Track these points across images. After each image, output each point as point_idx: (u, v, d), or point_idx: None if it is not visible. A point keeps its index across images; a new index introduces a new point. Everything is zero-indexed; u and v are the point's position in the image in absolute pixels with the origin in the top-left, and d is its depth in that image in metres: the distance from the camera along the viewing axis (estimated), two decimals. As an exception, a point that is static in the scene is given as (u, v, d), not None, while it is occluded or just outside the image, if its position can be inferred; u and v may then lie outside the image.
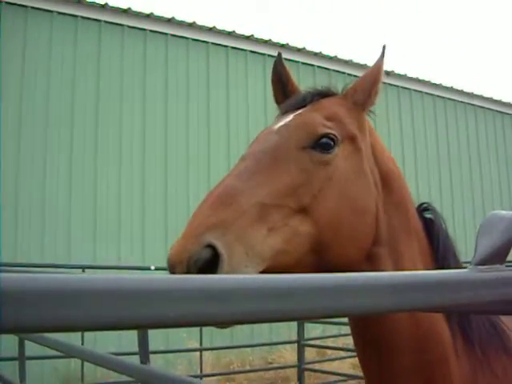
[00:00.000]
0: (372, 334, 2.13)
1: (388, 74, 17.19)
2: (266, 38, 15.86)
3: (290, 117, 2.16)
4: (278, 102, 2.46)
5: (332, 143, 2.06)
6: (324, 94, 2.29)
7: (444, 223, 2.36)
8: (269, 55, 15.60)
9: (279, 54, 2.47)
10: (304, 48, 16.32)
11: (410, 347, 2.10)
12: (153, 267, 9.44)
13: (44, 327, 0.61)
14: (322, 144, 2.04)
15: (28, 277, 0.60)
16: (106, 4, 13.60)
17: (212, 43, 15.14)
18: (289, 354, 12.04)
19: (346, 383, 10.94)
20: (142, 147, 13.58)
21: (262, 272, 1.75)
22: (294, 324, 10.22)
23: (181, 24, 14.58)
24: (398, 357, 2.10)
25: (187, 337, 11.12)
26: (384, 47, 2.35)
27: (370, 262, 2.10)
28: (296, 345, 10.13)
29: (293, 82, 2.48)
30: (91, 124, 13.06)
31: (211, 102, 14.77)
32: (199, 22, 14.80)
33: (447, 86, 19.50)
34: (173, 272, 1.67)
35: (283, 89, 2.46)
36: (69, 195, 12.40)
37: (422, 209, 2.39)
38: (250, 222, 1.77)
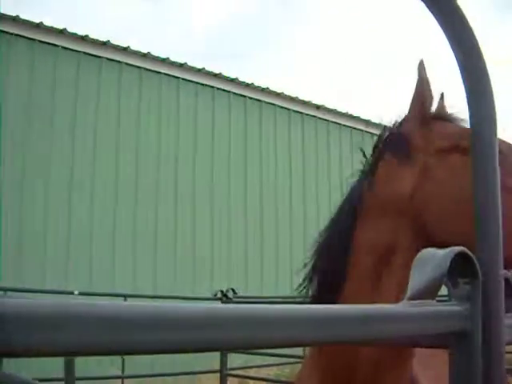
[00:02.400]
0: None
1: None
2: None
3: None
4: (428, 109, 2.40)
5: None
6: None
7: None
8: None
9: (421, 61, 2.39)
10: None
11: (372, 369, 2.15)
12: (76, 292, 9.26)
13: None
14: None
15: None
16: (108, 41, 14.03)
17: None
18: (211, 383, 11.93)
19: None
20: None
21: None
22: (217, 353, 10.13)
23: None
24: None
25: (109, 363, 10.89)
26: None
27: None
28: (218, 374, 10.06)
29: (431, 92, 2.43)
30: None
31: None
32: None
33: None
34: None
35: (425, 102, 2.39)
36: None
37: None
38: None
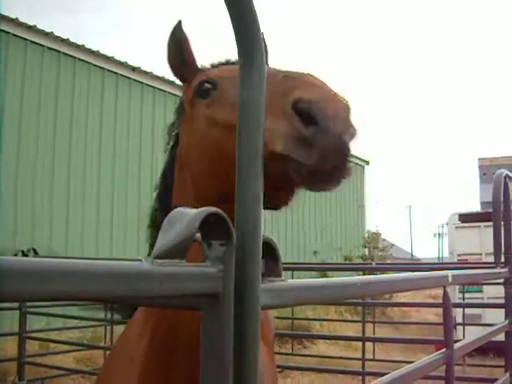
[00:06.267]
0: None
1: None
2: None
3: None
4: (172, 64, 2.42)
5: None
6: None
7: None
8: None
9: (179, 22, 2.40)
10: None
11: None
12: None
13: None
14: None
15: None
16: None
17: None
18: (9, 347, 11.49)
19: (69, 378, 10.72)
20: None
21: None
22: (17, 314, 9.77)
23: None
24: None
25: None
26: None
27: None
28: (17, 337, 9.70)
29: (191, 49, 2.45)
30: None
31: None
32: None
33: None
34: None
35: (180, 53, 2.42)
36: None
37: None
38: None
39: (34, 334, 10.42)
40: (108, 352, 10.74)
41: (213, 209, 1.17)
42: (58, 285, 0.90)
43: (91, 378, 10.78)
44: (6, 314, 11.58)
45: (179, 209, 1.17)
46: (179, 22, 2.44)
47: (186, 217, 1.13)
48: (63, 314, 9.55)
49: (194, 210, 1.15)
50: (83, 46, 16.03)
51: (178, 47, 2.40)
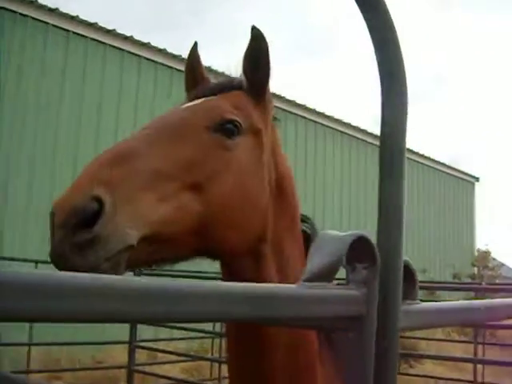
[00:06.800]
0: (248, 332, 2.14)
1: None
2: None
3: (199, 101, 2.18)
4: (188, 89, 2.44)
5: (236, 131, 2.08)
6: (236, 87, 2.29)
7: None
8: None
9: (195, 44, 2.44)
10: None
11: (283, 349, 2.13)
12: None
13: None
14: (226, 129, 2.06)
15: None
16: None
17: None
18: (119, 355, 11.83)
19: (175, 387, 10.94)
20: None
21: (143, 240, 1.71)
22: (126, 324, 10.05)
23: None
24: (271, 357, 2.12)
25: (16, 330, 10.68)
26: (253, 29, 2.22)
27: (253, 258, 2.12)
28: (127, 346, 9.98)
29: (203, 71, 2.47)
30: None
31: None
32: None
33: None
34: (52, 221, 1.59)
35: (195, 78, 2.45)
36: None
37: (300, 220, 2.42)
38: (142, 185, 1.73)
39: (142, 344, 10.69)
40: (215, 363, 10.98)
41: (359, 232, 1.18)
42: (214, 306, 0.94)
43: (197, 388, 10.97)
44: (115, 324, 11.91)
45: (327, 232, 1.19)
46: (195, 44, 2.47)
47: (334, 240, 1.15)
48: (172, 325, 9.71)
49: (342, 234, 1.17)
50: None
51: (194, 72, 2.47)
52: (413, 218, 23.21)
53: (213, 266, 2.42)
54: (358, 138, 22.57)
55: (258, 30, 2.20)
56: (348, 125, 22.13)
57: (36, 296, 0.73)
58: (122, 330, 11.24)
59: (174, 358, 11.20)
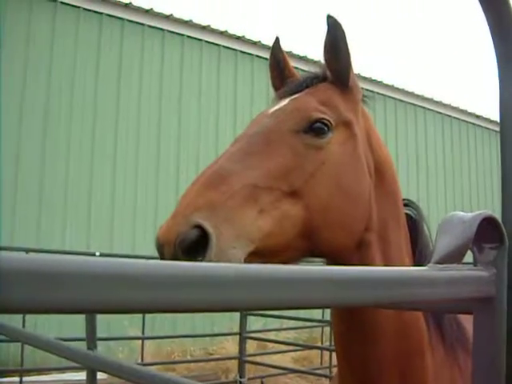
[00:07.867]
0: (357, 319, 2.14)
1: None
2: (255, 39, 16.23)
3: (286, 101, 2.17)
4: (276, 87, 2.45)
5: (325, 128, 2.07)
6: (322, 78, 2.28)
7: (424, 220, 2.42)
8: (257, 56, 16.08)
9: (277, 39, 2.44)
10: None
11: (392, 336, 2.13)
12: (97, 253, 9.33)
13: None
14: (316, 129, 2.05)
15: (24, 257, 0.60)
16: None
17: (205, 41, 15.68)
18: (230, 346, 12.03)
19: (286, 377, 11.01)
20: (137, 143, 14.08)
21: (251, 254, 1.74)
22: (237, 316, 10.21)
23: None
24: (381, 344, 2.13)
25: (129, 325, 11.02)
26: (329, 20, 2.20)
27: (360, 248, 2.11)
28: (238, 337, 10.12)
29: (290, 67, 2.47)
30: (89, 121, 13.52)
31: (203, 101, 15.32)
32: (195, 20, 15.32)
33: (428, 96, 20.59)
34: (161, 253, 1.65)
35: (281, 74, 2.45)
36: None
37: (404, 204, 2.41)
38: (240, 203, 1.76)
39: (253, 334, 10.80)
40: (324, 352, 10.99)
41: (486, 213, 1.17)
42: (352, 291, 0.95)
43: (308, 377, 11.00)
44: (226, 315, 12.12)
45: (455, 213, 1.19)
46: (277, 40, 2.44)
47: (462, 222, 1.14)
48: (280, 314, 9.78)
49: (470, 214, 1.16)
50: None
51: (279, 69, 2.44)
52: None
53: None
54: (459, 119, 21.98)
55: (334, 18, 2.17)
56: (448, 106, 21.57)
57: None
58: (232, 322, 11.43)
59: (283, 347, 11.29)
